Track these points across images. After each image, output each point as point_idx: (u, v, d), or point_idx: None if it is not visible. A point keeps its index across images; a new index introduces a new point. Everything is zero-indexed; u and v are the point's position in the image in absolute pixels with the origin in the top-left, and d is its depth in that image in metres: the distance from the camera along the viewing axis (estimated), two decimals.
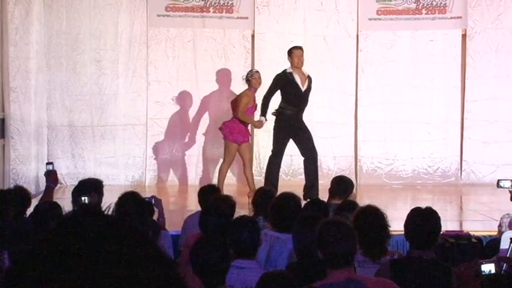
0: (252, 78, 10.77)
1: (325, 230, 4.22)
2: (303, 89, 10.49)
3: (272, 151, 10.70)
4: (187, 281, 3.84)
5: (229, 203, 6.25)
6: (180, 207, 10.77)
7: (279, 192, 7.10)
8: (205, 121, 13.03)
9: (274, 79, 10.60)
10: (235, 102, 10.93)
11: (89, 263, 1.16)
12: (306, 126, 10.66)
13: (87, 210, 1.23)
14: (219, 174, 11.01)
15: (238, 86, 12.28)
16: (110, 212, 1.28)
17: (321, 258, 4.22)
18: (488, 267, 4.05)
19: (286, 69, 10.58)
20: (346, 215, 5.52)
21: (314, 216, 5.30)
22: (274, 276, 4.23)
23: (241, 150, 10.92)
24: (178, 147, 13.02)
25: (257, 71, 10.98)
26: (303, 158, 10.74)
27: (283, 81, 10.46)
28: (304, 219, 5.25)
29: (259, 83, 10.80)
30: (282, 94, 10.54)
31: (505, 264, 4.53)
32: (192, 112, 13.02)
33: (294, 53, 10.55)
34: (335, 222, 4.37)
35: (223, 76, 12.92)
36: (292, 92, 10.42)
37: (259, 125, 10.74)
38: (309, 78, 10.64)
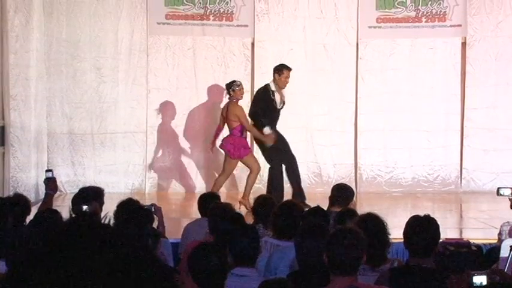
0: (237, 89, 10.71)
1: (338, 236, 4.23)
2: (279, 107, 10.65)
3: (270, 163, 10.76)
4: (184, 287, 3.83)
5: (234, 210, 6.35)
6: (180, 215, 10.76)
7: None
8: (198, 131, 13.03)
9: (258, 94, 10.81)
10: (229, 115, 10.76)
11: (85, 271, 1.16)
12: (282, 135, 10.74)
13: (84, 219, 1.24)
14: (214, 185, 10.95)
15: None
16: (107, 221, 1.29)
17: (326, 263, 4.22)
18: (479, 279, 4.03)
19: (269, 85, 10.64)
20: (347, 223, 5.51)
21: (316, 225, 5.30)
22: (274, 284, 4.22)
23: (247, 161, 10.85)
24: (178, 155, 13.01)
25: (241, 82, 10.91)
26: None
27: (265, 97, 10.57)
28: (307, 227, 5.25)
29: (242, 94, 10.83)
30: (261, 109, 10.65)
31: (497, 277, 4.51)
32: (189, 120, 13.01)
33: (285, 73, 10.61)
34: (348, 230, 4.38)
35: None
36: (269, 108, 10.57)
37: (269, 140, 10.56)
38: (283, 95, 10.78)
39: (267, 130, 10.53)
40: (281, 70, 10.70)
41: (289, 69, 10.72)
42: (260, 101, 10.68)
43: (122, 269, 1.19)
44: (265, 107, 10.59)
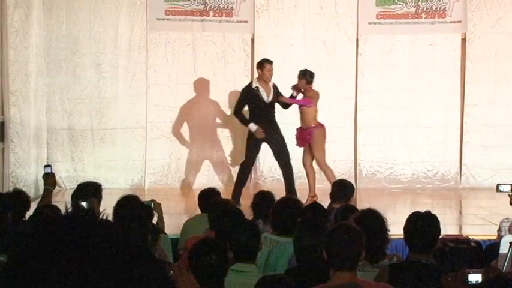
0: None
1: (337, 232, 4.23)
2: (268, 100, 10.61)
3: (245, 157, 10.79)
4: (182, 282, 3.84)
5: (234, 205, 6.37)
6: (180, 211, 10.77)
7: (279, 196, 7.09)
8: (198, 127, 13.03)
9: (241, 92, 10.77)
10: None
11: (80, 264, 1.17)
12: (278, 130, 10.74)
13: (79, 215, 1.24)
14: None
15: (238, 89, 12.35)
16: (103, 217, 1.30)
17: (325, 259, 4.23)
18: (475, 277, 4.03)
19: (252, 82, 10.71)
20: (347, 219, 5.51)
21: (315, 221, 5.30)
22: (273, 279, 4.22)
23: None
24: (179, 150, 13.01)
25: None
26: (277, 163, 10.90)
27: (250, 95, 10.58)
28: (305, 223, 5.25)
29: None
30: (249, 107, 10.66)
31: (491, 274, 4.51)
32: (191, 115, 13.02)
33: (266, 67, 10.65)
34: (346, 226, 4.38)
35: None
36: (257, 105, 10.55)
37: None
38: (274, 87, 10.71)
39: (252, 126, 10.55)
40: (262, 64, 10.74)
41: (270, 62, 10.75)
42: (244, 100, 10.69)
43: (115, 262, 1.20)
44: (252, 105, 10.61)
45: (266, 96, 10.65)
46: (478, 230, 9.16)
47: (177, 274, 4.28)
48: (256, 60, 12.88)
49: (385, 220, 5.30)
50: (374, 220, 5.25)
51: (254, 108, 10.64)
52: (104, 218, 1.37)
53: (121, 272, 1.19)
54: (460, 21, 13.12)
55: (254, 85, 10.67)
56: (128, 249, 1.23)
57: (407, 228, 5.06)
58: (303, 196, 10.12)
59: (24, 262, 1.20)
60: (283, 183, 10.80)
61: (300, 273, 4.85)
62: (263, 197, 7.12)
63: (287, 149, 10.77)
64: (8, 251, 5.17)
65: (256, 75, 12.86)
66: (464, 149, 13.15)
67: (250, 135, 10.66)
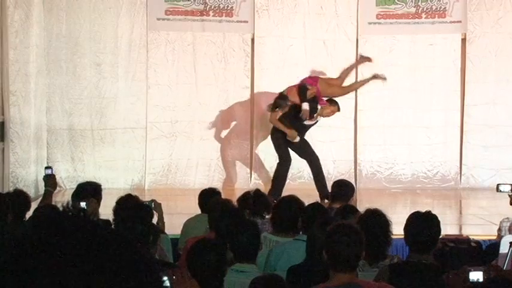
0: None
1: (335, 233, 4.22)
2: (300, 115, 10.83)
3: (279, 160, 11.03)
4: (181, 283, 3.83)
5: (234, 206, 6.38)
6: (180, 211, 10.75)
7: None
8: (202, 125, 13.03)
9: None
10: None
11: (67, 265, 1.17)
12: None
13: (65, 215, 1.24)
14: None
15: (238, 89, 12.35)
16: (95, 218, 1.30)
17: (325, 260, 4.23)
18: (476, 276, 4.03)
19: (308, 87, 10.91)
20: (347, 219, 5.50)
21: (333, 220, 5.28)
22: (264, 280, 4.22)
23: None
24: (179, 150, 13.01)
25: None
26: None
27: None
28: (324, 223, 5.25)
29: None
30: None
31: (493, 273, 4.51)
32: (192, 116, 13.01)
33: (331, 107, 11.02)
34: (345, 226, 4.37)
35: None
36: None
37: (291, 134, 10.81)
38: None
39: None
40: (333, 103, 11.06)
41: (337, 107, 11.07)
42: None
43: (105, 264, 1.20)
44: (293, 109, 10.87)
45: (305, 114, 10.84)
46: (478, 230, 9.16)
47: (179, 279, 4.28)
48: (256, 60, 12.93)
49: (389, 222, 5.28)
50: (378, 221, 5.23)
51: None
52: (98, 218, 1.36)
53: (114, 273, 1.19)
54: (460, 21, 13.11)
55: (308, 92, 10.81)
56: (123, 250, 1.22)
57: (407, 228, 5.06)
58: (302, 196, 10.12)
59: (15, 262, 1.20)
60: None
61: (304, 271, 4.85)
62: (258, 197, 7.12)
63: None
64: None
65: (256, 74, 12.94)
66: (464, 149, 13.14)
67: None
